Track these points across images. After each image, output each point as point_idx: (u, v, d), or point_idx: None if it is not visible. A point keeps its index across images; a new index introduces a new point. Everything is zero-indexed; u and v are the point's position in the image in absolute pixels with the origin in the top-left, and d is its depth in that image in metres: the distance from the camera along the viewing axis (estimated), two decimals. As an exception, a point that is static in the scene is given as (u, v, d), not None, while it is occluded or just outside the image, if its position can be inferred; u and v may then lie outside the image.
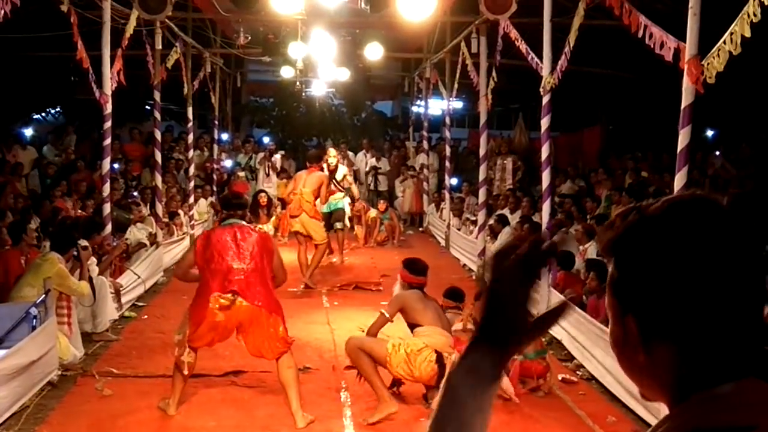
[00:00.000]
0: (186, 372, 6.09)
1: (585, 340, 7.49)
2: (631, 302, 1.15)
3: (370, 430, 6.03)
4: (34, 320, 6.67)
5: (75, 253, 7.79)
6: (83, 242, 8.12)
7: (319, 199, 11.26)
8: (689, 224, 1.11)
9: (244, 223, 6.21)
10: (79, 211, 11.34)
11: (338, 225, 12.66)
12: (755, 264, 1.11)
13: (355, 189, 13.75)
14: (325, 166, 12.19)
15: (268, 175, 17.91)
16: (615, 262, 1.18)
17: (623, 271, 1.16)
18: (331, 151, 12.89)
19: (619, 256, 1.17)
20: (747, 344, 1.11)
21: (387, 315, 6.38)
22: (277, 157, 18.55)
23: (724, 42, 5.23)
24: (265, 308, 5.91)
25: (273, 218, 15.25)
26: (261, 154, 18.49)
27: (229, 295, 5.81)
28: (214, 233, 6.07)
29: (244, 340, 6.09)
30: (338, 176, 12.71)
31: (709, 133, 19.63)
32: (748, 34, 4.99)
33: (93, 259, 8.61)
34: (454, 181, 16.26)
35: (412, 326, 6.40)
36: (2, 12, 6.51)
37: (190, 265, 6.13)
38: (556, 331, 8.48)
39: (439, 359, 6.15)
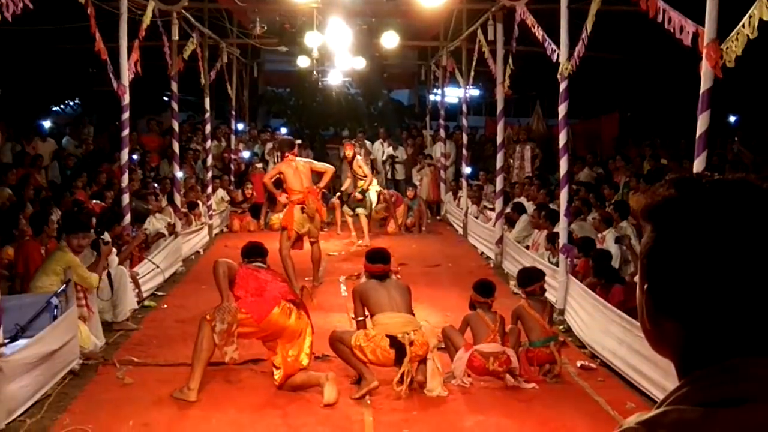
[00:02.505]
0: (227, 361, 6.52)
1: (600, 326, 7.47)
2: (651, 272, 1.17)
3: (388, 416, 6.06)
4: (56, 310, 6.74)
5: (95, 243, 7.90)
6: (107, 237, 8.21)
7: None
8: (725, 209, 1.11)
9: (267, 267, 7.01)
10: (95, 201, 11.38)
11: (360, 210, 13.90)
12: None
13: (370, 175, 14.45)
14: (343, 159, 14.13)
15: (275, 162, 17.87)
16: (652, 229, 1.18)
17: (656, 240, 1.17)
18: (348, 144, 14.43)
19: (657, 224, 1.17)
20: (757, 326, 1.12)
21: (360, 318, 6.75)
22: None
23: (743, 26, 5.19)
24: (311, 324, 6.67)
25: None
26: (269, 145, 18.48)
27: (291, 305, 6.53)
28: (248, 269, 6.75)
29: (281, 344, 6.51)
30: (354, 166, 13.99)
31: (732, 118, 19.47)
32: (766, 17, 4.95)
33: (113, 250, 8.68)
34: (468, 170, 16.24)
35: (372, 316, 6.67)
36: (21, 5, 6.54)
37: (233, 271, 6.60)
38: (571, 318, 8.47)
39: (394, 341, 6.38)
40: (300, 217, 10.21)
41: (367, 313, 6.75)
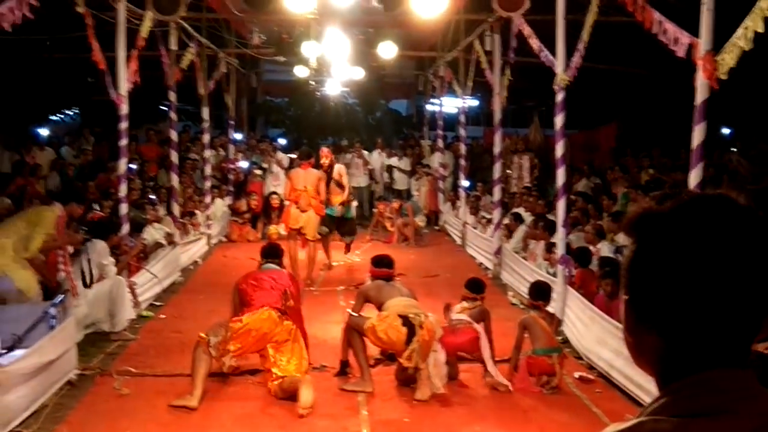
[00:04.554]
0: (225, 371, 6.88)
1: (596, 338, 7.47)
2: (632, 283, 1.20)
3: (384, 427, 6.06)
4: (53, 320, 6.74)
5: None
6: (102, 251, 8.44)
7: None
8: (703, 223, 1.14)
9: (279, 268, 7.36)
10: (94, 211, 11.37)
11: (347, 239, 12.95)
12: (761, 268, 1.13)
13: (348, 188, 13.01)
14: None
15: (272, 172, 17.83)
16: (633, 241, 1.21)
17: (636, 253, 1.20)
18: (324, 151, 12.86)
19: (638, 237, 1.20)
20: (735, 339, 1.15)
21: (354, 314, 7.02)
22: (282, 155, 18.44)
23: (738, 38, 5.21)
24: (301, 332, 6.86)
25: None
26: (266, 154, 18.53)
27: (278, 313, 6.71)
28: (257, 273, 7.23)
29: (273, 351, 6.68)
30: (334, 175, 12.69)
31: (726, 131, 19.54)
32: (761, 29, 4.97)
33: (111, 260, 8.69)
34: (466, 183, 16.29)
35: (382, 305, 6.95)
36: (19, 14, 6.56)
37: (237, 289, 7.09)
38: (568, 329, 8.47)
39: (406, 321, 6.61)
40: (294, 212, 11.18)
41: (364, 313, 7.06)
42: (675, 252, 1.14)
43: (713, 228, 1.13)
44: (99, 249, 8.46)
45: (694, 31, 5.84)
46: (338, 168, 12.70)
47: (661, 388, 1.18)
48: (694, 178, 6.04)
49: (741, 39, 5.21)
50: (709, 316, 1.13)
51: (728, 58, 5.36)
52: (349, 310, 7.20)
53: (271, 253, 7.60)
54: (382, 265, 7.41)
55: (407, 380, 6.81)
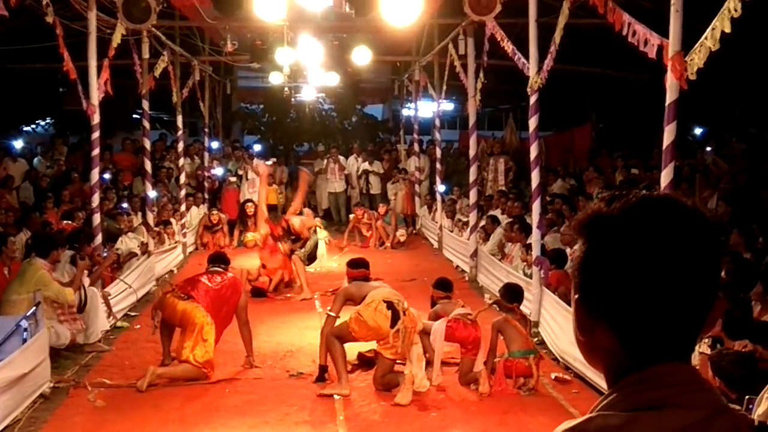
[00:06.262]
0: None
1: (572, 339, 7.48)
2: (583, 282, 1.22)
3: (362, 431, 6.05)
4: (25, 333, 6.67)
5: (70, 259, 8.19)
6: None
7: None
8: (649, 224, 1.17)
9: (220, 270, 7.88)
10: (66, 222, 11.24)
11: (298, 253, 11.36)
12: (706, 267, 1.17)
13: (305, 235, 11.72)
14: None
15: (248, 179, 17.67)
16: (583, 242, 1.23)
17: (586, 252, 1.22)
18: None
19: (588, 237, 1.23)
20: (680, 335, 1.18)
21: (332, 314, 7.13)
22: (259, 162, 18.28)
23: (706, 38, 5.25)
24: (212, 315, 7.28)
25: (263, 231, 11.83)
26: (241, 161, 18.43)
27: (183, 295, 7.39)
28: (199, 275, 7.86)
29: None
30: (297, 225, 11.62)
31: (698, 131, 19.71)
32: (728, 29, 5.00)
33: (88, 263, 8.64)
34: (442, 188, 16.33)
35: (364, 298, 7.02)
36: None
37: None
38: (544, 330, 8.49)
39: (390, 305, 6.78)
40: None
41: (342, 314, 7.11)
42: (623, 252, 1.17)
43: (659, 229, 1.17)
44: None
45: (665, 33, 5.87)
46: (297, 220, 11.62)
47: (611, 385, 1.21)
48: (665, 177, 6.06)
49: (709, 39, 5.24)
50: (657, 314, 1.16)
51: (697, 59, 5.40)
52: (329, 311, 7.22)
53: (216, 260, 8.11)
54: (359, 266, 7.53)
55: (387, 386, 6.81)
